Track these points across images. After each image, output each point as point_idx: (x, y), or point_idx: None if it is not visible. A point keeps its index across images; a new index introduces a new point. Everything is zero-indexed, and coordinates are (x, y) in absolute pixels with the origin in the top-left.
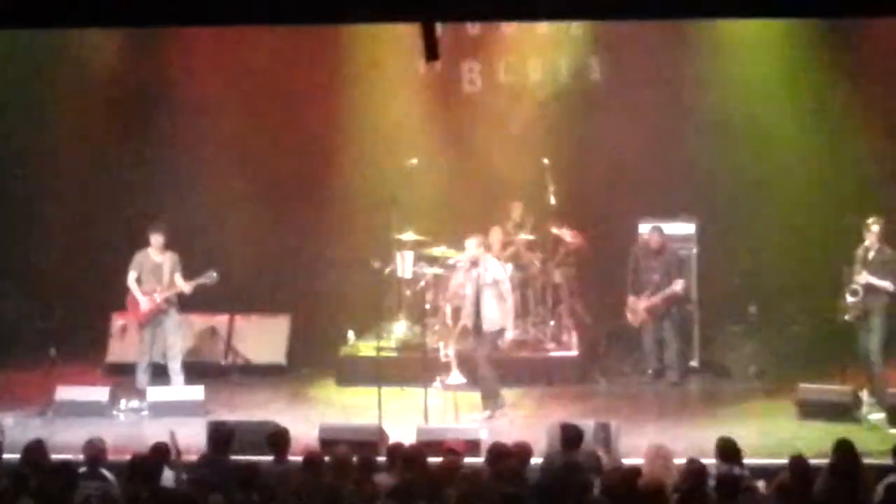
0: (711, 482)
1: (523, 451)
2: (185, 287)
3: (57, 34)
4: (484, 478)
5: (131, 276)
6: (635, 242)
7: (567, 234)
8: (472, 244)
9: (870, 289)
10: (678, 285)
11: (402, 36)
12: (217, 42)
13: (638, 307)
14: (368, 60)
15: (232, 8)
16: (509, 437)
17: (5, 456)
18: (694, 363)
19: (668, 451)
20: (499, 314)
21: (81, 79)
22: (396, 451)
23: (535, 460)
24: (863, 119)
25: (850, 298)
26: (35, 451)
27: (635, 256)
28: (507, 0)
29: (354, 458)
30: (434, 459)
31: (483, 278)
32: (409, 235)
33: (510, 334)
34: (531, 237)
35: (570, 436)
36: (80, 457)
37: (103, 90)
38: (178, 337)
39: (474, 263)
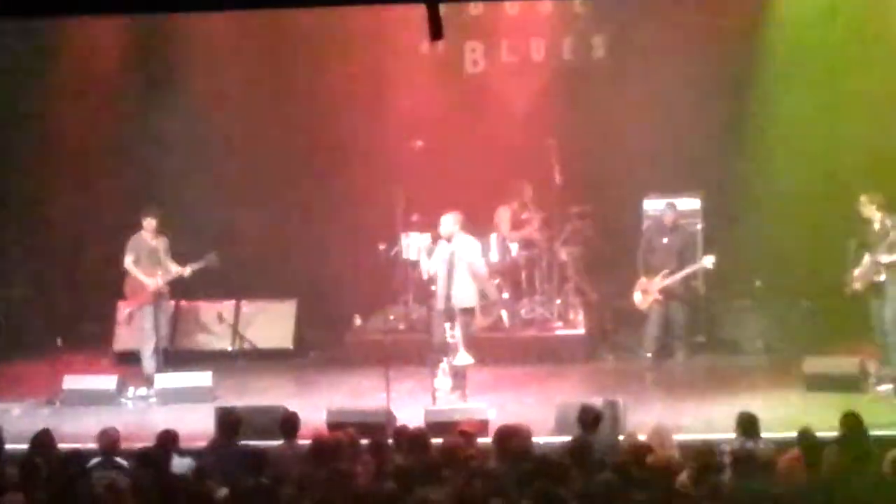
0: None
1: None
2: (186, 270)
3: (58, 22)
4: (488, 460)
5: (129, 259)
6: (645, 221)
7: (575, 214)
8: (448, 221)
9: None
10: (708, 261)
11: (404, 18)
12: (221, 27)
13: (651, 288)
14: (371, 43)
15: None
16: (518, 416)
17: (15, 446)
18: (701, 339)
19: (665, 429)
20: (470, 293)
21: (84, 67)
22: (402, 434)
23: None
24: (873, 91)
25: (875, 278)
26: (43, 440)
27: (647, 236)
28: None
29: (364, 441)
30: (441, 440)
31: (458, 256)
32: (414, 217)
33: (479, 318)
34: (539, 215)
35: (589, 417)
36: (90, 446)
37: (106, 78)
38: (167, 323)
39: (448, 240)
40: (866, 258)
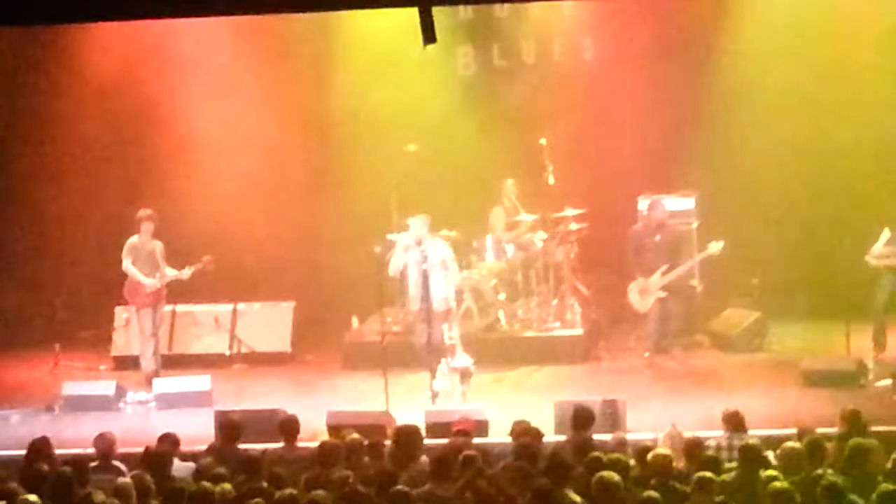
0: (723, 453)
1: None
2: (185, 272)
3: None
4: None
5: (127, 262)
6: (636, 223)
7: (569, 214)
8: (416, 223)
9: None
10: (715, 247)
11: (396, 21)
12: (214, 28)
13: (650, 287)
14: (364, 46)
15: None
16: (516, 417)
17: (13, 453)
18: (699, 336)
19: (678, 435)
20: (445, 294)
21: (77, 67)
22: (398, 434)
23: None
24: (870, 85)
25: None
26: (40, 448)
27: (637, 237)
28: None
29: (365, 443)
30: (441, 441)
31: (431, 259)
32: (409, 219)
33: (456, 321)
34: (534, 216)
35: (581, 417)
36: (90, 451)
37: (100, 79)
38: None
39: (417, 243)
40: (885, 237)
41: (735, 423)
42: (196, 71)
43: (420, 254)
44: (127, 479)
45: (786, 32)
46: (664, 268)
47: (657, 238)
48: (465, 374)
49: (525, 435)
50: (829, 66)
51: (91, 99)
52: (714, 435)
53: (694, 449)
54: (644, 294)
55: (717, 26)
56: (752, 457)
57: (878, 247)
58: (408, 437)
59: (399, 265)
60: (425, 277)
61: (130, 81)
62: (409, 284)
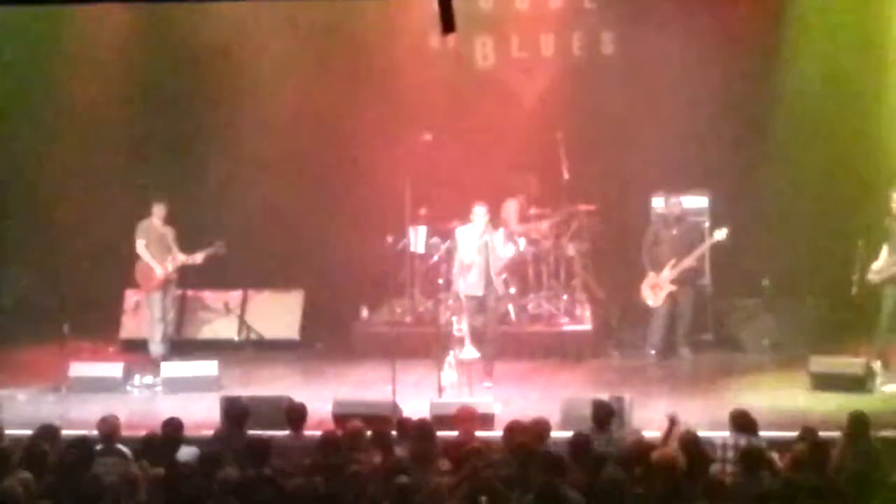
0: (729, 453)
1: (540, 428)
2: (198, 256)
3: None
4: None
5: (141, 244)
6: (651, 219)
7: (582, 209)
8: (482, 212)
9: None
10: (720, 234)
11: (415, 11)
12: (228, 12)
13: (661, 282)
14: (381, 36)
15: None
16: (523, 411)
17: (20, 432)
18: (707, 336)
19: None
20: (502, 281)
21: (90, 51)
22: (405, 425)
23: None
24: (881, 88)
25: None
26: (47, 432)
27: (653, 231)
28: None
29: (369, 433)
30: (446, 433)
31: (489, 246)
32: (422, 210)
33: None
34: (546, 210)
35: (601, 413)
36: (95, 432)
37: (112, 61)
38: (174, 311)
39: (480, 232)
40: (885, 252)
41: (742, 423)
42: (209, 55)
43: (482, 241)
44: (132, 463)
45: (812, 34)
46: (673, 261)
47: (673, 231)
48: (488, 366)
49: (523, 433)
50: (849, 62)
51: (102, 80)
52: (721, 435)
53: (690, 444)
54: (656, 289)
55: (737, 24)
56: (751, 460)
57: (878, 263)
58: (423, 433)
59: (465, 253)
60: (487, 264)
61: (141, 64)
62: (473, 272)
